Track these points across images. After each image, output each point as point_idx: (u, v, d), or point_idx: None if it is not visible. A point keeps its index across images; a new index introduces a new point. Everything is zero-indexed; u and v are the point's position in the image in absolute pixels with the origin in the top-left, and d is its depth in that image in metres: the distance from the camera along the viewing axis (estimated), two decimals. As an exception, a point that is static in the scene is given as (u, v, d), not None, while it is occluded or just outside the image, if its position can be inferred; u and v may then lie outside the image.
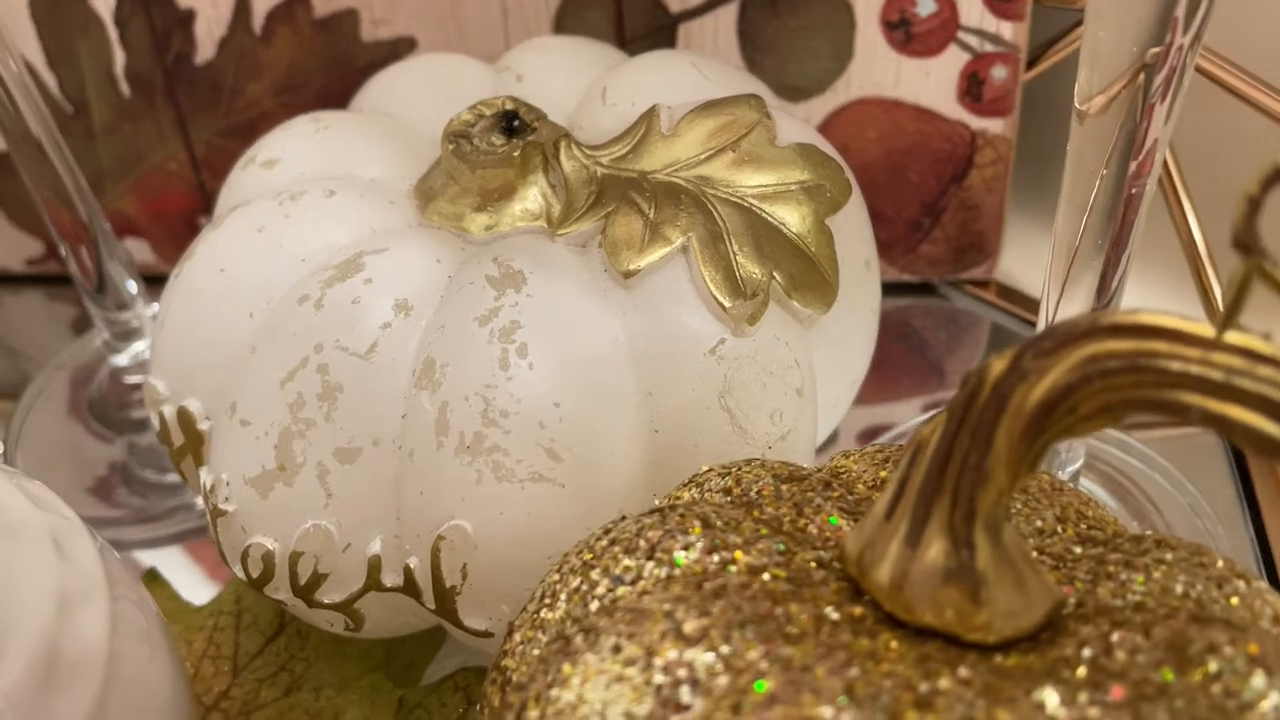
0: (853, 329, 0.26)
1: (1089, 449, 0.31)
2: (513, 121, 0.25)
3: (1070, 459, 0.26)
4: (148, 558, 0.32)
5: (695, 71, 0.27)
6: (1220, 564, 0.18)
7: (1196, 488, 0.30)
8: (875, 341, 0.28)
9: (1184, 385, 0.15)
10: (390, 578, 0.23)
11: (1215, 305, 0.32)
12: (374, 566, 0.23)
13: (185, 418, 0.25)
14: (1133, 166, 0.20)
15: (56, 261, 0.41)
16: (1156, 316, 0.15)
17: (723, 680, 0.15)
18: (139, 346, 0.34)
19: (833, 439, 0.32)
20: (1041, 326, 0.24)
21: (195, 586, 0.31)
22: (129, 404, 0.35)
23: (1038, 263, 0.37)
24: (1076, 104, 0.20)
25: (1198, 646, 0.16)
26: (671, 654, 0.15)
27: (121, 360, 0.35)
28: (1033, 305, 0.36)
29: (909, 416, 0.35)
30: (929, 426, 0.17)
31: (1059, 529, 0.19)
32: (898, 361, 0.37)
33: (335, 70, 0.35)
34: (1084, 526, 0.19)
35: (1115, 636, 0.16)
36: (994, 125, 0.33)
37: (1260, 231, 0.15)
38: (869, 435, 0.35)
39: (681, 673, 0.15)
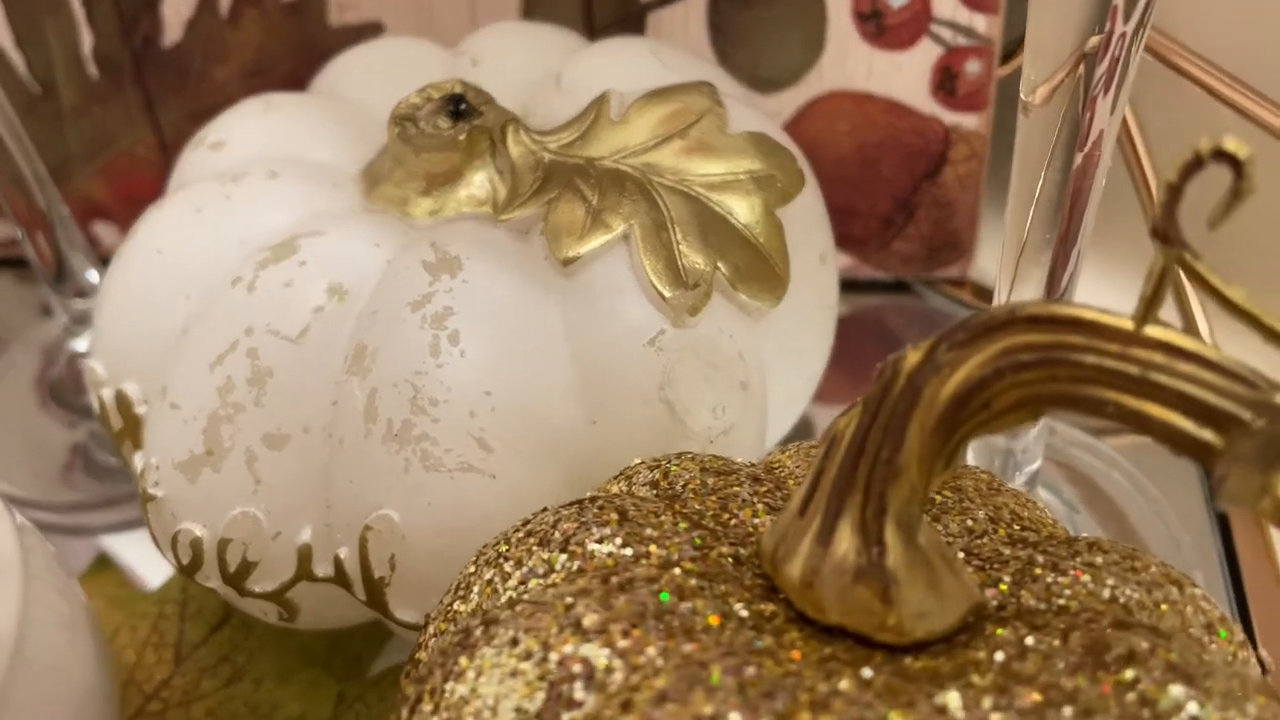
0: (806, 324, 0.26)
1: (1055, 452, 0.30)
2: (459, 105, 0.24)
3: (1026, 460, 0.26)
4: (108, 542, 0.32)
5: (654, 59, 0.27)
6: (1153, 569, 0.17)
7: (1163, 492, 0.29)
8: (832, 337, 0.27)
9: (1100, 380, 0.14)
10: (322, 568, 0.23)
11: (1188, 304, 0.31)
12: (304, 556, 0.23)
13: (123, 401, 0.25)
14: (1079, 159, 0.19)
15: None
16: (1074, 308, 0.15)
17: (618, 676, 0.15)
18: (99, 331, 0.34)
19: (798, 438, 0.31)
20: (993, 323, 0.23)
21: (153, 573, 0.30)
22: (85, 389, 0.35)
23: (1012, 262, 0.36)
24: (1022, 95, 0.19)
25: (1116, 652, 0.15)
26: (567, 648, 0.15)
27: (80, 345, 0.34)
28: (1006, 305, 0.35)
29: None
30: (845, 419, 0.16)
31: (990, 529, 0.18)
32: (870, 361, 0.36)
33: (302, 54, 0.35)
34: (1017, 528, 0.19)
35: (1030, 640, 0.15)
36: (968, 120, 0.33)
37: (1180, 222, 0.14)
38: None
39: (576, 668, 0.15)
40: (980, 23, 0.31)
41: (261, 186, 0.24)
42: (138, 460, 0.24)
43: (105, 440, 0.35)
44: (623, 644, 0.15)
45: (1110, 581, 0.17)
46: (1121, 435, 0.31)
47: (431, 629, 0.18)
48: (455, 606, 0.18)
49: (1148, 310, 0.14)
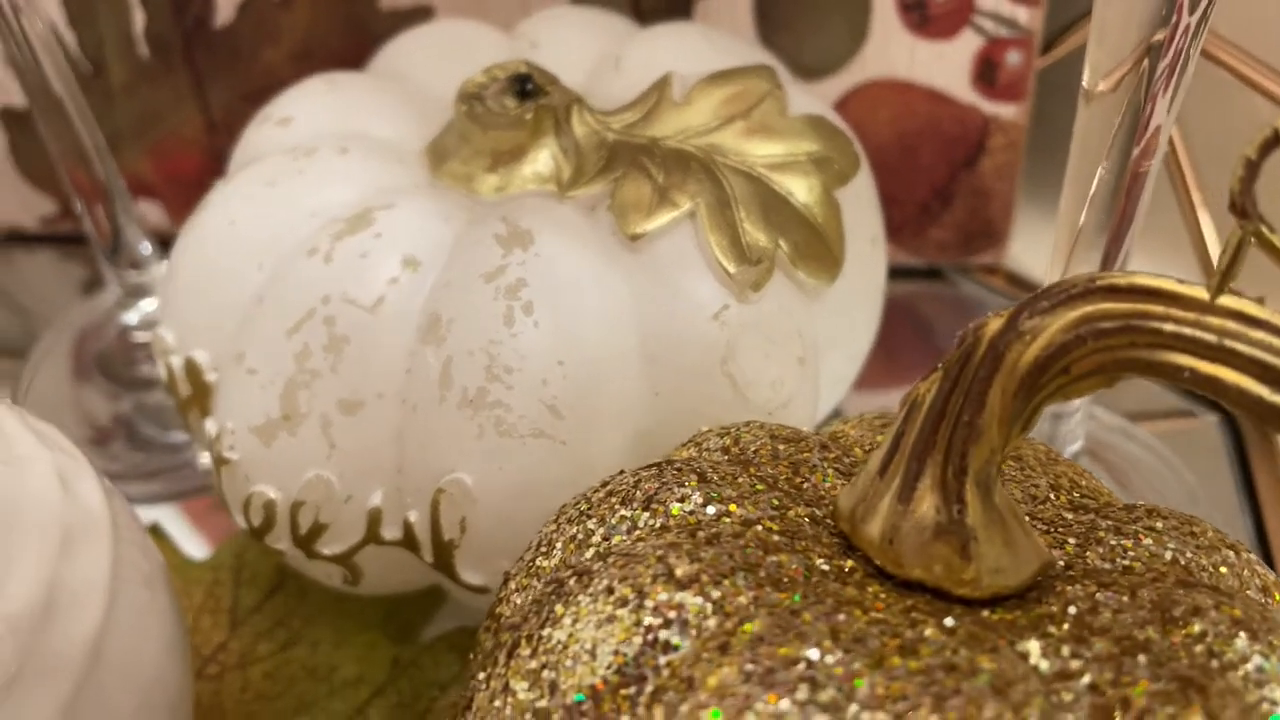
0: (856, 304, 0.26)
1: (1091, 436, 0.31)
2: (526, 85, 0.25)
3: (1068, 440, 0.26)
4: (146, 514, 0.32)
5: (708, 44, 0.27)
6: (1210, 533, 0.18)
7: (1196, 477, 0.30)
8: (879, 318, 0.28)
9: (1177, 347, 0.15)
10: (390, 531, 0.23)
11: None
12: (374, 519, 0.23)
13: (192, 368, 0.25)
14: (1137, 148, 0.20)
15: (70, 220, 0.41)
16: (1152, 278, 0.15)
17: (711, 622, 0.15)
18: (148, 305, 0.35)
19: (835, 418, 0.32)
20: (1044, 304, 0.24)
21: (191, 544, 0.31)
22: (136, 361, 0.35)
23: (1047, 251, 0.37)
24: (1084, 84, 0.20)
25: (1183, 608, 0.16)
26: (662, 596, 0.16)
27: (131, 318, 0.35)
28: (1039, 293, 0.36)
29: (912, 402, 0.35)
30: (924, 384, 0.17)
31: (1052, 496, 0.19)
32: (903, 346, 0.37)
33: (352, 38, 0.35)
34: (1077, 495, 0.19)
35: (1101, 596, 0.16)
36: (1006, 110, 0.33)
37: (1257, 197, 0.15)
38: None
39: (671, 614, 0.15)
40: (1022, 14, 0.32)
41: (332, 161, 0.25)
42: (209, 425, 0.24)
43: (151, 412, 0.36)
44: (715, 593, 0.16)
45: (1171, 544, 0.18)
46: (1156, 421, 0.32)
47: (513, 584, 0.19)
48: (538, 562, 0.19)
49: (1223, 280, 0.15)
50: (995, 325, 0.16)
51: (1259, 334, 0.15)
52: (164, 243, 0.34)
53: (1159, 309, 0.15)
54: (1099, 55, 0.20)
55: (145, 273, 0.34)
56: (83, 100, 0.31)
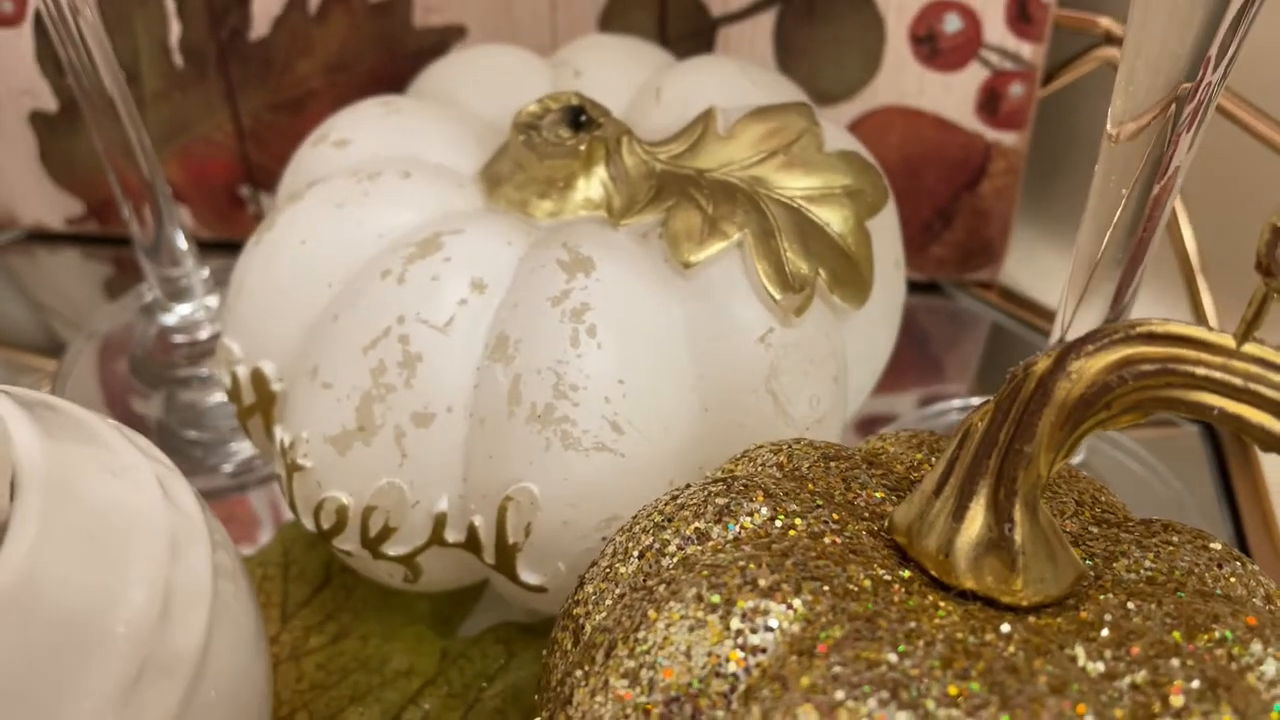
0: (880, 323, 0.28)
1: (1088, 445, 0.33)
2: (580, 116, 0.27)
3: (1073, 453, 0.28)
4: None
5: (743, 77, 0.29)
6: (1219, 547, 0.20)
7: (1181, 484, 0.33)
8: (897, 335, 0.30)
9: (1207, 388, 0.17)
10: (453, 534, 0.25)
11: (1203, 310, 0.34)
12: (439, 523, 0.25)
13: (259, 378, 0.27)
14: (1155, 189, 0.22)
15: (96, 221, 0.42)
16: (1185, 327, 0.17)
17: (795, 628, 0.17)
18: (186, 308, 0.36)
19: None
20: (1056, 331, 0.26)
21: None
22: (174, 363, 0.37)
23: (1040, 268, 0.40)
24: (1108, 129, 0.22)
25: (1204, 616, 0.18)
26: (749, 603, 0.17)
27: (169, 320, 0.36)
28: (1033, 308, 0.38)
29: (908, 407, 0.37)
30: (978, 414, 0.19)
31: (1078, 511, 0.21)
32: (900, 355, 0.39)
33: (385, 53, 0.37)
34: (1098, 510, 0.22)
35: (1131, 605, 0.18)
36: (1007, 138, 0.36)
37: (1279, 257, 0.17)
38: (869, 424, 0.37)
39: (758, 620, 0.17)
40: (1026, 50, 0.34)
41: (396, 185, 0.26)
42: (279, 434, 0.26)
43: (184, 414, 0.37)
44: (796, 601, 0.18)
45: (1186, 557, 0.20)
46: (1141, 430, 0.34)
47: (590, 588, 0.21)
48: (616, 568, 0.20)
49: (1248, 330, 0.17)
50: (1044, 364, 0.18)
51: (1278, 377, 0.17)
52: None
53: (1191, 354, 0.17)
54: (1125, 103, 0.22)
55: (183, 271, 0.35)
56: (131, 100, 0.32)
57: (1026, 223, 0.39)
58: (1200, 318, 0.35)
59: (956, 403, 0.35)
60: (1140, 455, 0.33)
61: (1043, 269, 0.39)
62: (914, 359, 0.39)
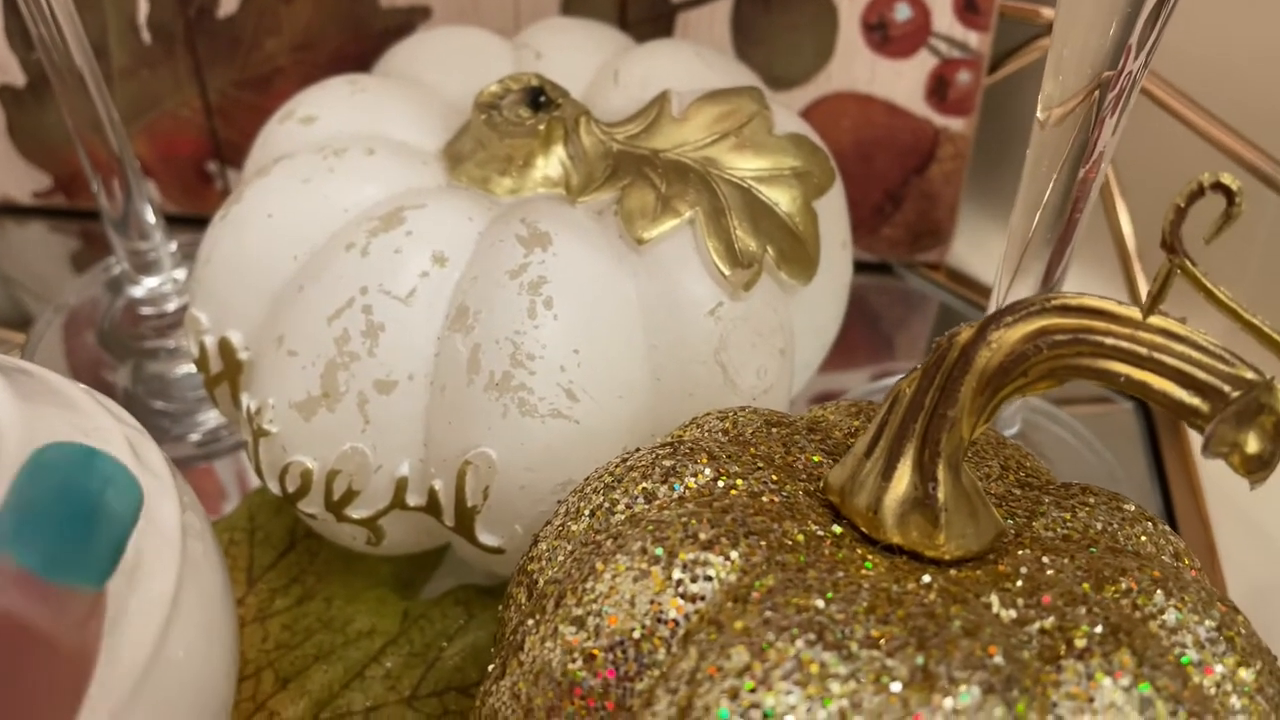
0: (827, 300, 0.30)
1: (1024, 419, 0.35)
2: (539, 97, 0.28)
3: (1008, 424, 0.30)
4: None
5: (699, 60, 0.30)
6: (1132, 508, 0.22)
7: (1115, 457, 0.34)
8: (844, 312, 0.31)
9: (1115, 357, 0.18)
10: (414, 498, 0.26)
11: (1138, 291, 0.36)
12: (401, 487, 0.26)
13: (226, 347, 0.28)
14: (1082, 172, 0.24)
15: (63, 195, 0.43)
16: (1096, 300, 0.19)
17: (732, 577, 0.18)
18: (154, 281, 0.37)
19: (799, 400, 0.35)
20: (992, 307, 0.27)
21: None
22: (142, 335, 0.37)
23: (986, 249, 0.41)
24: (1038, 114, 0.23)
25: (1112, 569, 0.19)
26: (690, 555, 0.19)
27: (137, 292, 0.37)
28: (979, 288, 0.40)
29: (860, 383, 0.39)
30: (906, 381, 0.20)
31: (1003, 475, 0.23)
32: (852, 333, 0.40)
33: (351, 32, 0.38)
34: (1023, 474, 0.23)
35: (1046, 559, 0.20)
36: (955, 124, 0.37)
37: (1182, 235, 0.18)
38: (822, 399, 0.38)
39: (698, 570, 0.19)
40: (973, 39, 0.35)
41: (361, 161, 0.27)
42: (246, 400, 0.27)
43: (151, 384, 0.38)
44: (733, 553, 0.19)
45: (1101, 517, 0.21)
46: (1078, 406, 0.36)
47: (543, 545, 0.22)
48: (568, 526, 0.22)
49: (1153, 303, 0.18)
50: (967, 334, 0.19)
51: (1181, 348, 0.18)
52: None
53: (1101, 325, 0.19)
54: (1053, 88, 0.23)
55: (151, 244, 0.36)
56: (100, 75, 0.33)
57: (973, 206, 0.41)
58: (1137, 297, 0.36)
59: (902, 377, 0.37)
60: (1077, 429, 0.35)
61: (988, 251, 0.41)
62: (865, 337, 0.40)
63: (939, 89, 0.36)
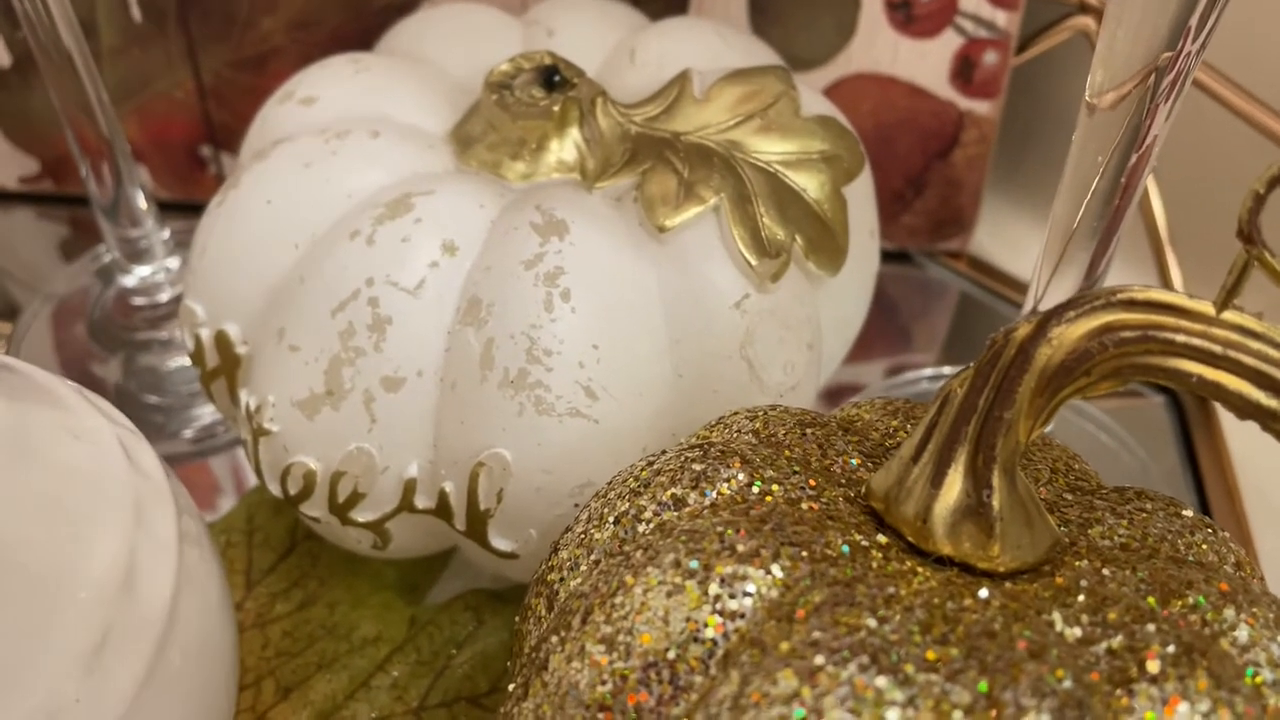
0: (854, 292, 0.28)
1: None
2: (553, 76, 0.26)
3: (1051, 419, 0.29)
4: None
5: (719, 40, 0.29)
6: (1191, 514, 0.20)
7: (1146, 452, 0.33)
8: (869, 304, 0.30)
9: (1186, 355, 0.17)
10: (423, 500, 0.25)
11: (1171, 281, 0.35)
12: (409, 489, 0.25)
13: (223, 340, 0.26)
14: (1133, 159, 0.22)
15: (51, 180, 0.41)
16: (1165, 294, 0.17)
17: (774, 593, 0.17)
18: (146, 270, 0.35)
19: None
20: (1030, 300, 0.26)
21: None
22: (134, 326, 0.36)
23: (1010, 238, 0.40)
24: (1087, 98, 0.22)
25: (1177, 582, 0.18)
26: (727, 569, 0.17)
27: (129, 282, 0.35)
28: (1003, 278, 0.38)
29: (876, 376, 0.37)
30: (957, 380, 0.19)
31: (1052, 479, 0.21)
32: (869, 324, 0.39)
33: (351, 10, 0.36)
34: (1072, 478, 0.22)
35: (1106, 571, 0.18)
36: (980, 106, 0.35)
37: (1260, 225, 0.17)
38: (837, 392, 0.37)
39: (737, 585, 0.17)
40: (1001, 17, 0.34)
41: (365, 144, 0.26)
42: (245, 397, 0.25)
43: (145, 378, 0.36)
44: (774, 566, 0.17)
45: (1159, 524, 0.20)
46: (1107, 399, 0.34)
47: (564, 554, 0.21)
48: (591, 534, 0.20)
49: (1228, 298, 0.17)
50: (1025, 331, 0.18)
51: (1258, 345, 0.17)
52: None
53: (1171, 321, 0.17)
54: (1104, 73, 0.22)
55: (143, 231, 0.34)
56: (89, 54, 0.31)
57: (997, 192, 0.39)
58: (1168, 288, 0.35)
59: (927, 371, 0.35)
60: (1106, 424, 0.33)
61: (1012, 239, 0.39)
62: (883, 328, 0.39)
63: (964, 70, 0.35)
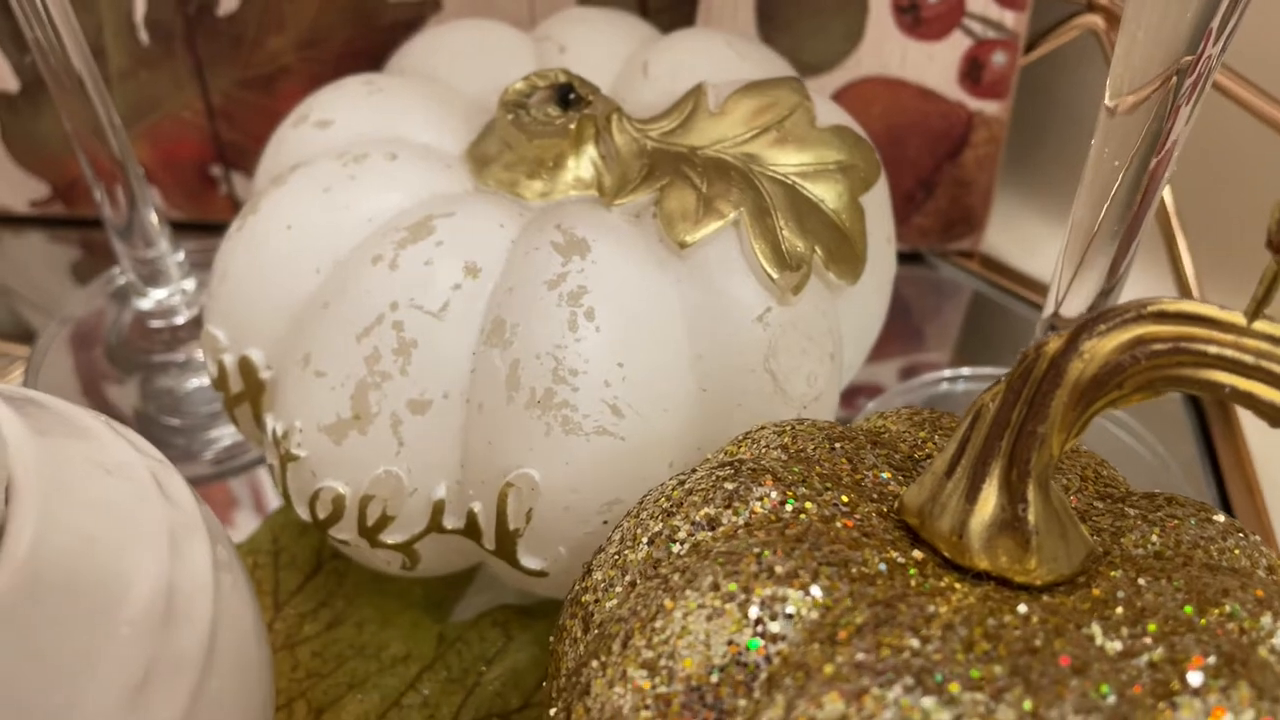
0: (872, 298, 0.28)
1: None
2: (568, 94, 0.26)
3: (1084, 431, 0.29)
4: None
5: (731, 51, 0.29)
6: (1222, 519, 0.21)
7: (1165, 449, 0.33)
8: (887, 310, 0.30)
9: (1219, 366, 0.17)
10: (452, 520, 0.25)
11: (1185, 279, 0.35)
12: (437, 510, 0.25)
13: (247, 366, 0.26)
14: (1153, 162, 0.22)
15: (62, 203, 0.41)
16: (1196, 305, 0.17)
17: (814, 615, 0.17)
18: (162, 293, 0.35)
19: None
20: (1050, 303, 0.26)
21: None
22: (151, 349, 0.36)
23: (1021, 237, 0.40)
24: (1106, 101, 0.22)
25: (1213, 590, 0.18)
26: (767, 590, 0.17)
27: (145, 304, 0.35)
28: (1015, 277, 0.38)
29: (889, 377, 0.37)
30: (988, 395, 0.19)
31: (1082, 487, 0.21)
32: (884, 324, 0.39)
33: (359, 27, 0.36)
34: (1101, 485, 0.22)
35: (1142, 581, 0.18)
36: (989, 107, 0.35)
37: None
38: (851, 394, 0.37)
39: (777, 607, 0.17)
40: (1009, 18, 0.34)
41: (384, 167, 0.26)
42: (271, 423, 0.25)
43: (163, 400, 0.36)
44: (814, 587, 0.17)
45: (1191, 530, 0.20)
46: (1125, 397, 0.34)
47: (599, 575, 0.21)
48: (625, 554, 0.20)
49: (1259, 308, 0.17)
50: (1056, 345, 0.18)
51: (1289, 355, 0.17)
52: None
53: (1203, 332, 0.17)
54: (1123, 73, 0.22)
55: (158, 252, 0.34)
56: (100, 77, 0.31)
57: (1008, 192, 0.39)
58: (1181, 280, 0.35)
59: (946, 372, 0.35)
60: (1124, 421, 0.33)
61: (1024, 238, 0.39)
62: (896, 329, 0.39)
63: (973, 71, 0.35)
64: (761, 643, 0.17)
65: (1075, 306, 0.25)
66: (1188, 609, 0.18)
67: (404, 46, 0.31)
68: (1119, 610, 0.18)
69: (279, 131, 0.29)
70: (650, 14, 0.35)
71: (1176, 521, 0.20)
